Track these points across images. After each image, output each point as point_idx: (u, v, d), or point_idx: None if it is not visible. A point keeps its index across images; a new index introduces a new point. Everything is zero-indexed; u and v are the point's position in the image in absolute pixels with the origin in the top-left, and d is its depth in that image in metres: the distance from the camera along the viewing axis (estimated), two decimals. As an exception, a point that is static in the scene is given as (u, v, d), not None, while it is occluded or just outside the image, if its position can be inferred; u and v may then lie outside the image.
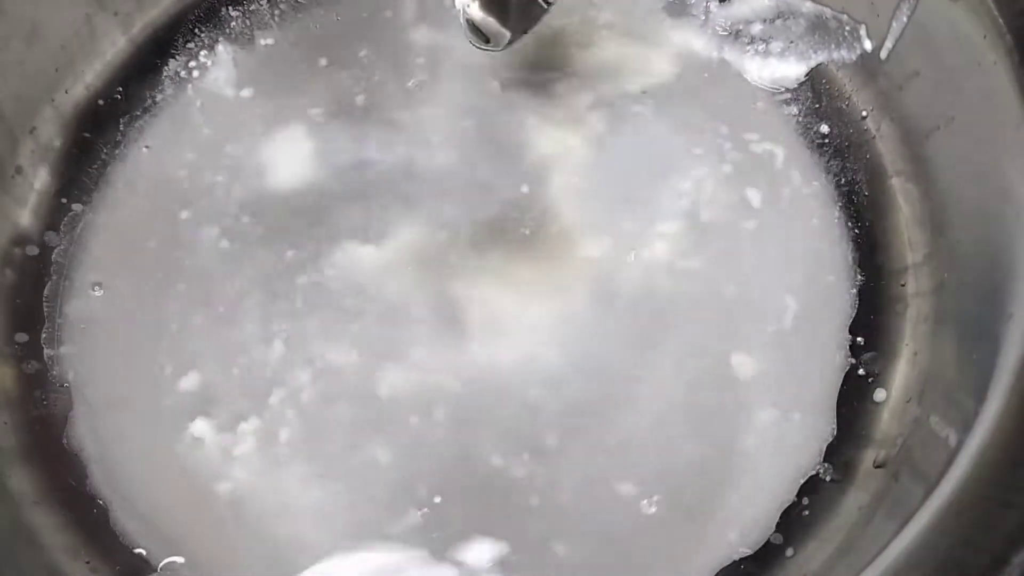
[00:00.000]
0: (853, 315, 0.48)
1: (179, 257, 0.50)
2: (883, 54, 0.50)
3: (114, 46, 0.53)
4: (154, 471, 0.45)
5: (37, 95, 0.50)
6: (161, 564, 0.43)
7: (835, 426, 0.45)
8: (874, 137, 0.51)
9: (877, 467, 0.44)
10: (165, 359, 0.47)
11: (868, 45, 0.51)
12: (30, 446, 0.45)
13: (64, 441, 0.45)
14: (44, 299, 0.48)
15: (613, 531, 0.44)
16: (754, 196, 0.51)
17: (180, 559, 0.43)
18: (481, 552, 0.43)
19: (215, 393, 0.47)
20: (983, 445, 0.35)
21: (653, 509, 0.44)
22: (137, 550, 0.43)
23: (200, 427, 0.46)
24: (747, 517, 0.44)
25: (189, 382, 0.47)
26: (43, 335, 0.48)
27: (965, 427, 0.37)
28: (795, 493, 0.44)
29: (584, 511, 0.44)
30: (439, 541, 0.43)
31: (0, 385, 0.45)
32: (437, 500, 0.44)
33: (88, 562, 0.42)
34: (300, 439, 0.46)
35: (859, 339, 0.47)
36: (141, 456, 0.45)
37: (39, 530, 0.42)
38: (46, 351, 0.47)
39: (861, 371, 0.46)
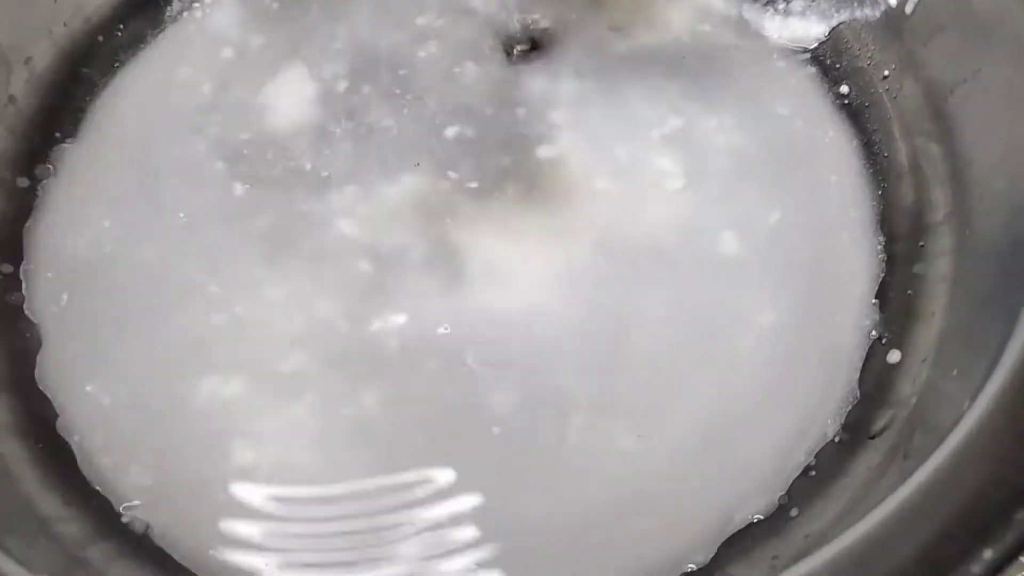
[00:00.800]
0: (871, 276, 0.46)
1: (171, 197, 0.48)
2: (908, 8, 0.48)
3: (117, -19, 0.52)
4: (133, 411, 0.43)
5: (35, 25, 0.49)
6: (122, 506, 0.41)
7: (857, 390, 0.43)
8: (895, 96, 0.49)
9: (872, 438, 0.42)
10: (152, 300, 0.46)
11: (893, 0, 0.49)
12: (8, 377, 0.43)
13: (40, 375, 0.44)
14: (31, 232, 0.47)
15: (613, 485, 0.42)
16: (771, 155, 0.49)
17: (138, 502, 0.41)
18: (478, 499, 0.41)
19: (201, 336, 0.45)
20: (994, 403, 0.33)
21: (655, 467, 0.42)
22: (105, 486, 0.42)
23: (182, 371, 0.44)
24: (757, 480, 0.42)
25: (175, 324, 0.45)
26: (27, 268, 0.46)
27: (979, 387, 0.35)
28: (811, 457, 0.42)
29: (584, 464, 0.42)
30: (435, 488, 0.42)
31: (-19, 316, 0.44)
32: (435, 447, 0.42)
33: (62, 495, 0.41)
34: (291, 386, 0.44)
35: (874, 300, 0.45)
36: (118, 395, 0.44)
37: (13, 461, 0.40)
38: (29, 284, 0.46)
39: (875, 332, 0.44)
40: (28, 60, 0.48)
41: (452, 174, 0.48)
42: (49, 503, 0.40)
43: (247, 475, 0.42)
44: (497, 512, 0.41)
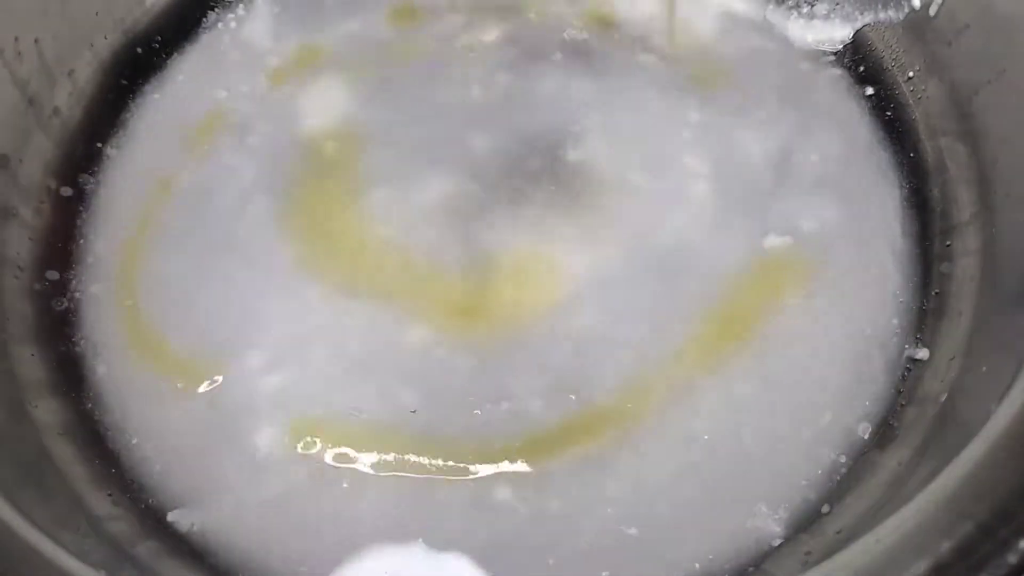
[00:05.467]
0: (899, 275, 0.46)
1: (210, 203, 0.50)
2: (932, 11, 0.48)
3: (154, -5, 0.53)
4: (176, 414, 0.45)
5: (77, 38, 0.50)
6: (168, 510, 0.42)
7: (887, 389, 0.44)
8: (920, 98, 0.50)
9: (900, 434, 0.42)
10: (192, 302, 0.47)
11: (916, 2, 0.50)
12: (56, 380, 0.44)
13: (85, 379, 0.45)
14: (75, 240, 0.49)
15: (644, 483, 0.42)
16: (796, 158, 0.50)
17: (182, 504, 0.42)
18: (513, 490, 0.42)
19: (241, 338, 0.46)
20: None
21: (685, 467, 0.43)
22: (150, 488, 0.43)
23: (223, 371, 0.45)
24: (786, 482, 0.42)
25: (216, 326, 0.46)
26: (73, 274, 0.48)
27: (1008, 384, 0.35)
28: (842, 455, 0.43)
29: (629, 464, 0.43)
30: (472, 478, 0.42)
31: (30, 320, 0.45)
32: (466, 444, 0.43)
33: (110, 494, 0.42)
34: (331, 387, 0.45)
35: (903, 299, 0.46)
36: (161, 398, 0.45)
37: (63, 460, 0.41)
38: (75, 290, 0.47)
39: (903, 331, 0.45)
40: (71, 73, 0.50)
41: (482, 177, 0.49)
42: (99, 502, 0.41)
43: (289, 475, 0.43)
44: (527, 492, 0.42)
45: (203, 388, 0.45)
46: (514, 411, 0.44)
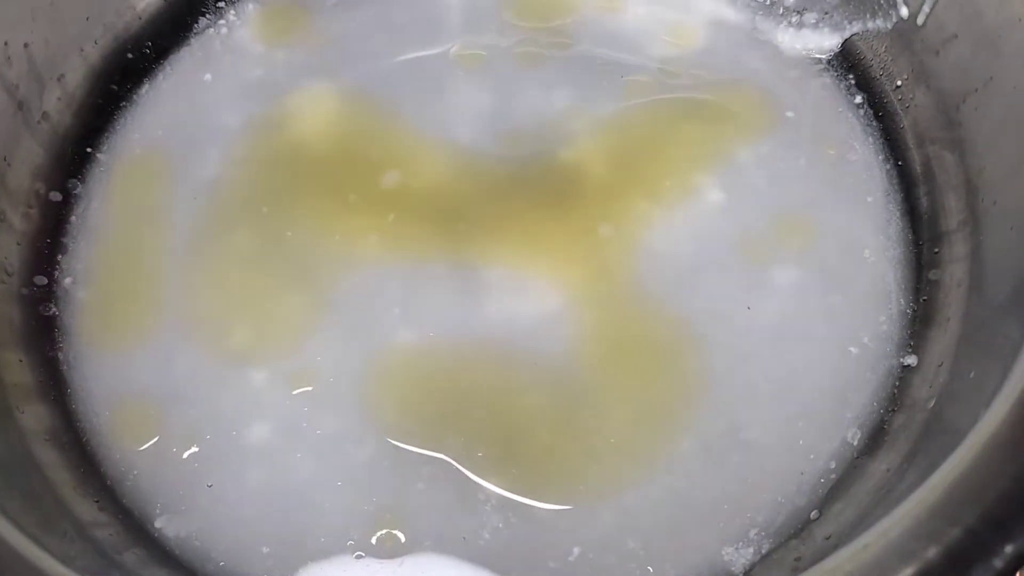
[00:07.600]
0: (887, 282, 0.47)
1: (200, 208, 0.49)
2: (920, 20, 0.49)
3: (145, 0, 0.53)
4: (163, 420, 0.44)
5: (67, 43, 0.50)
6: (154, 518, 0.42)
7: (875, 395, 0.44)
8: (908, 106, 0.50)
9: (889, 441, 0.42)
10: (183, 306, 0.47)
11: (904, 12, 0.50)
12: (44, 385, 0.44)
13: (72, 385, 0.45)
14: (64, 244, 0.48)
15: (627, 497, 0.43)
16: (785, 166, 0.50)
17: (168, 512, 0.42)
18: (499, 492, 0.42)
19: (228, 341, 0.46)
20: (1011, 405, 0.34)
21: (673, 476, 0.43)
22: (136, 494, 0.43)
23: (212, 374, 0.45)
24: (776, 488, 0.43)
25: (204, 330, 0.46)
26: (61, 279, 0.47)
27: (995, 390, 0.35)
28: (832, 462, 0.43)
29: (620, 472, 0.43)
30: (457, 489, 0.43)
31: (18, 325, 0.45)
32: (452, 453, 0.43)
33: (97, 501, 0.41)
34: (319, 401, 0.44)
35: (891, 306, 0.46)
36: (148, 404, 0.45)
37: (49, 466, 0.41)
38: (63, 295, 0.47)
39: (891, 337, 0.45)
40: (60, 77, 0.49)
41: (472, 180, 0.49)
42: (84, 508, 0.41)
43: (279, 483, 0.43)
44: (512, 494, 0.42)
45: (192, 396, 0.45)
46: (519, 421, 0.44)
